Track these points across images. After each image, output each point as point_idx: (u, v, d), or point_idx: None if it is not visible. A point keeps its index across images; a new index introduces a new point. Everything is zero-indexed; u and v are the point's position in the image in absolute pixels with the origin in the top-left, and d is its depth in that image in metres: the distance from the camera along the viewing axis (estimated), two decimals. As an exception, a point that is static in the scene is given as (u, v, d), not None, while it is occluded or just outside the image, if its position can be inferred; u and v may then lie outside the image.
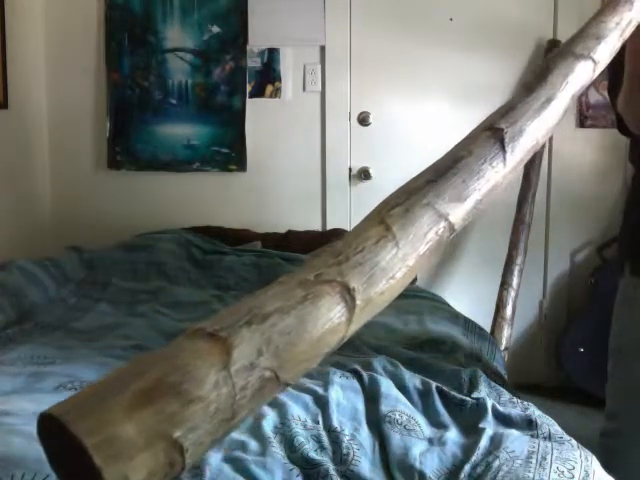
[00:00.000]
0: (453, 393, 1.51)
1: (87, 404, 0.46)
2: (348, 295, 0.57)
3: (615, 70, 1.33)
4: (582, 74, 0.84)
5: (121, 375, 0.49)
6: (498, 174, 0.72)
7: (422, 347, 1.86)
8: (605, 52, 0.88)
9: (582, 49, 0.86)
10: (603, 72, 0.93)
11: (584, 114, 3.07)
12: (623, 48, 0.95)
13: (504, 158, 0.72)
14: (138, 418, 0.46)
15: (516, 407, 1.47)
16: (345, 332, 0.58)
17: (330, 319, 0.56)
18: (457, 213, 0.67)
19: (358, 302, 0.58)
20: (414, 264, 0.63)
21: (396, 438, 1.33)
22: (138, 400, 0.47)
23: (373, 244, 0.61)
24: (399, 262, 0.62)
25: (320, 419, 1.36)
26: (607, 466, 1.46)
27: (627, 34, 0.93)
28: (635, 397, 1.53)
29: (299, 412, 1.37)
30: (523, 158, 0.75)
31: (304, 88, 3.13)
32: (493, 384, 1.59)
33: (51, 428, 0.47)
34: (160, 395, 0.47)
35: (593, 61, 0.86)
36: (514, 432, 1.36)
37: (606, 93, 1.52)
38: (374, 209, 0.67)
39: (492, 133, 0.73)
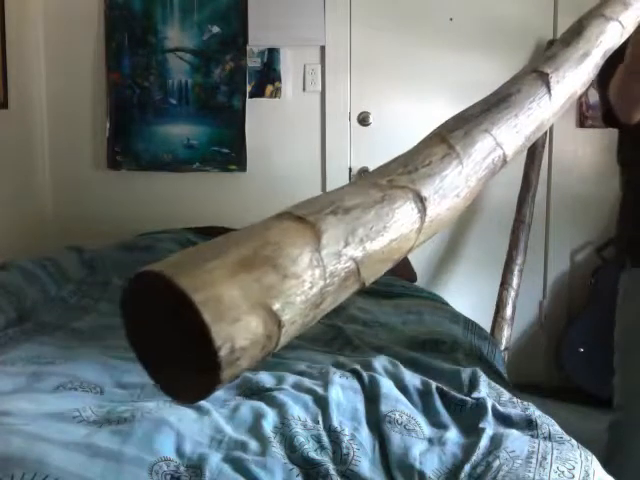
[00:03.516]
0: (453, 393, 1.51)
1: (188, 263, 0.44)
2: (420, 203, 0.57)
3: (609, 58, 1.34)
4: (612, 35, 0.87)
5: (214, 243, 0.48)
6: (544, 114, 0.73)
7: (422, 347, 1.86)
8: (631, 19, 0.91)
9: (611, 13, 0.88)
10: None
11: (584, 114, 3.07)
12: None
13: (550, 100, 0.74)
14: (241, 282, 0.44)
15: (516, 407, 1.47)
16: (414, 242, 0.57)
17: (405, 223, 0.55)
18: (511, 144, 0.68)
19: (429, 212, 0.57)
20: (474, 187, 0.63)
21: (396, 438, 1.33)
22: (239, 266, 0.45)
23: (439, 159, 0.61)
24: (463, 181, 0.62)
25: (320, 419, 1.36)
26: (612, 457, 1.49)
27: None
28: (637, 384, 1.56)
29: (299, 412, 1.37)
30: (564, 104, 0.77)
31: (304, 88, 3.13)
32: (493, 384, 1.59)
33: (141, 293, 0.45)
34: (258, 265, 0.45)
35: (621, 25, 0.88)
36: (514, 432, 1.36)
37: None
38: (431, 132, 0.67)
39: (538, 75, 0.75)
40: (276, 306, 0.45)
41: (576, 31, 0.84)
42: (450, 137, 0.64)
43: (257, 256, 0.46)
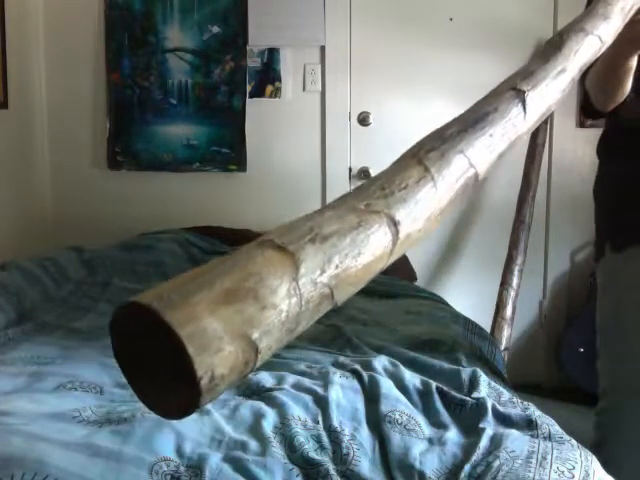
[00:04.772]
0: (453, 393, 1.51)
1: (174, 296, 0.48)
2: (394, 227, 0.60)
3: None
4: (590, 50, 0.89)
5: (201, 274, 0.51)
6: (517, 134, 0.76)
7: (422, 347, 1.86)
8: (610, 33, 0.93)
9: (592, 27, 0.90)
10: None
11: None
12: None
13: (524, 118, 0.76)
14: (223, 315, 0.47)
15: (516, 407, 1.47)
16: (386, 262, 0.61)
17: (378, 247, 0.58)
18: (483, 164, 0.71)
19: (400, 235, 0.60)
20: (445, 207, 0.66)
21: (396, 438, 1.33)
22: (222, 298, 0.48)
23: (415, 182, 0.64)
24: (436, 202, 0.65)
25: (320, 419, 1.36)
26: (599, 443, 1.52)
27: (628, 18, 0.98)
28: (621, 373, 1.63)
29: (299, 412, 1.37)
30: (536, 122, 0.80)
31: (304, 88, 3.13)
32: (493, 384, 1.59)
33: (129, 319, 0.48)
34: (241, 297, 0.49)
35: (600, 40, 0.90)
36: (514, 432, 1.36)
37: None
38: (408, 150, 0.69)
39: (515, 93, 0.77)
40: (255, 335, 0.48)
41: (556, 45, 0.86)
42: (426, 159, 0.67)
43: (240, 288, 0.49)
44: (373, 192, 0.62)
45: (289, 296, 0.51)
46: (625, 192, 1.63)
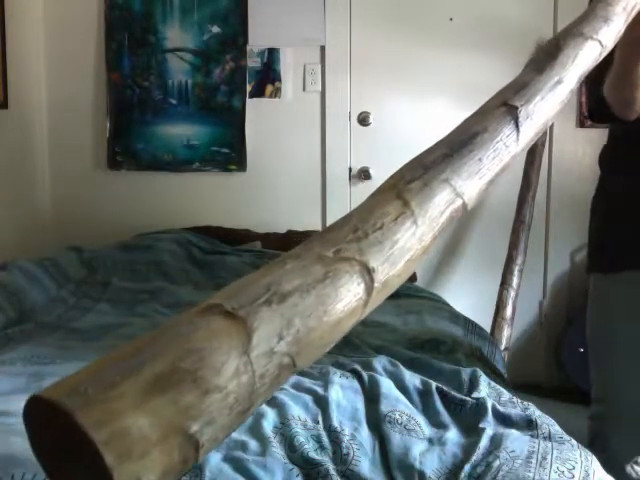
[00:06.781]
0: (453, 393, 1.51)
1: (92, 388, 0.40)
2: (367, 276, 0.52)
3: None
4: (590, 56, 0.82)
5: (128, 355, 0.43)
6: (510, 154, 0.68)
7: (422, 347, 1.86)
8: (612, 36, 0.86)
9: (590, 31, 0.82)
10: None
11: (584, 114, 3.06)
12: None
13: (517, 138, 0.69)
14: (152, 409, 0.40)
15: (516, 407, 1.47)
16: (360, 315, 0.53)
17: (350, 302, 0.51)
18: (472, 192, 0.63)
19: (376, 284, 0.53)
20: (428, 244, 0.59)
21: (396, 438, 1.33)
22: (152, 387, 0.40)
23: (392, 221, 0.57)
24: (416, 242, 0.57)
25: (320, 419, 1.36)
26: (590, 445, 1.54)
27: (630, 19, 0.92)
28: (609, 386, 1.67)
29: (299, 412, 1.37)
30: (532, 139, 0.72)
31: (304, 88, 3.13)
32: (493, 384, 1.59)
33: (43, 412, 0.41)
34: (175, 383, 0.41)
35: (600, 44, 0.83)
36: (514, 432, 1.36)
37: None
38: (388, 180, 0.63)
39: (507, 110, 0.70)
40: (194, 428, 0.41)
41: (552, 54, 0.78)
42: (406, 191, 0.59)
43: (175, 371, 0.41)
44: (344, 235, 0.54)
45: (238, 374, 0.43)
46: (622, 213, 1.60)
